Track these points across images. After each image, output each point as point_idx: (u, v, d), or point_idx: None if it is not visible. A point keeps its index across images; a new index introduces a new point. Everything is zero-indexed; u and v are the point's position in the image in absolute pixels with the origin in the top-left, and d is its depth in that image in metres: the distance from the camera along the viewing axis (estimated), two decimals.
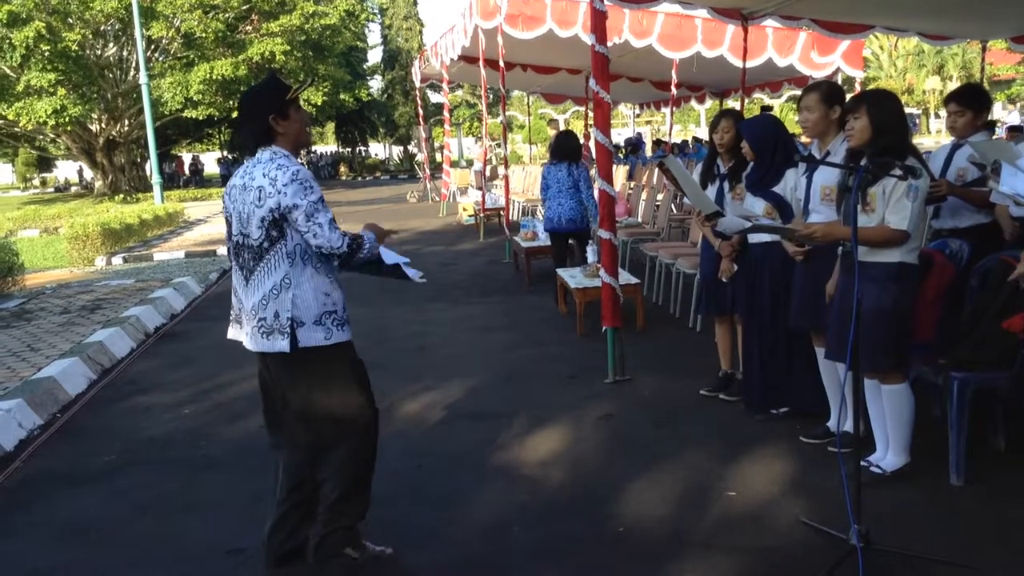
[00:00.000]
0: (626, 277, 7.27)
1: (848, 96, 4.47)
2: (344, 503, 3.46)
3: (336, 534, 3.47)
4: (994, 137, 5.40)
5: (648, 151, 23.91)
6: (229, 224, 3.45)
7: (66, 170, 55.74)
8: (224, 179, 45.93)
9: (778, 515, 3.82)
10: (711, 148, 5.41)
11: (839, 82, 11.23)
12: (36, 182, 54.70)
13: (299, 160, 3.42)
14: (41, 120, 26.66)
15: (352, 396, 3.45)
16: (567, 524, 3.86)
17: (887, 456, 4.10)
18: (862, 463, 3.84)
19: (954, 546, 3.45)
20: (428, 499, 4.18)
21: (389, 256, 3.60)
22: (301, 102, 3.44)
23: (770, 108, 16.34)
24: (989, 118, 5.45)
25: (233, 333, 3.54)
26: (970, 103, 4.93)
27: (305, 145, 3.59)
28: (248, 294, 3.37)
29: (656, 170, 15.71)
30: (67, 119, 27.32)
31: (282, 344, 3.27)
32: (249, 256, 3.34)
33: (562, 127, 16.87)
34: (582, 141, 11.18)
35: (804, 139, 8.53)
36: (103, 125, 32.17)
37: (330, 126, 56.06)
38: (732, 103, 18.66)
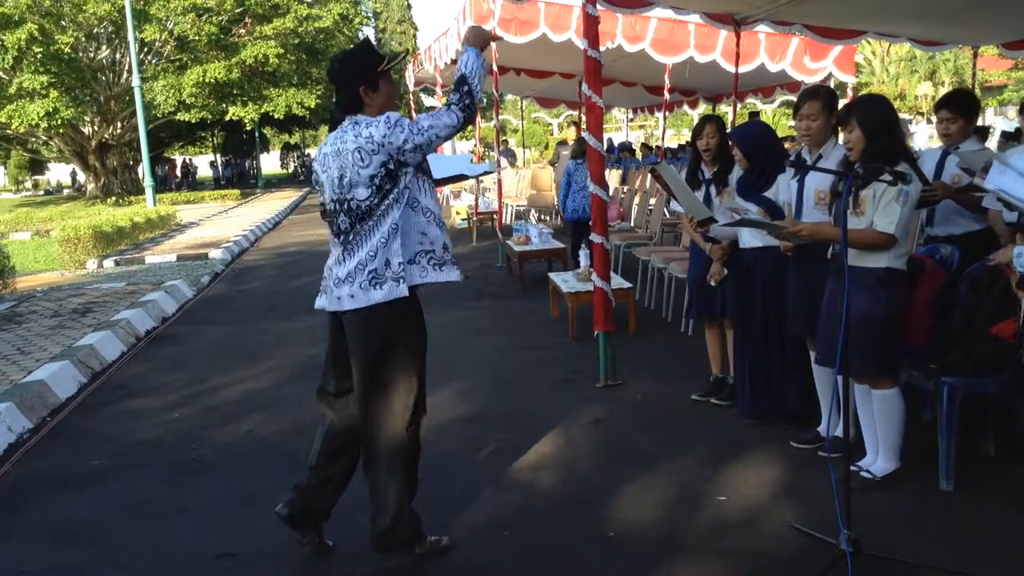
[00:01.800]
0: (618, 281, 7.28)
1: (840, 101, 4.48)
2: (403, 482, 3.46)
3: (406, 524, 3.48)
4: (987, 144, 5.41)
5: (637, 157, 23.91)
6: (323, 192, 3.49)
7: (58, 173, 55.60)
8: (216, 182, 45.90)
9: (768, 520, 3.82)
10: (694, 154, 5.42)
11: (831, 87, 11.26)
12: (28, 185, 54.53)
13: None
14: (33, 122, 26.57)
15: (421, 364, 3.50)
16: (558, 528, 3.86)
17: (877, 461, 4.11)
18: (852, 468, 3.85)
19: (944, 551, 3.46)
20: (418, 502, 4.15)
21: (453, 167, 3.60)
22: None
23: (758, 113, 16.38)
24: (982, 124, 5.46)
25: (321, 303, 3.55)
26: (961, 109, 4.93)
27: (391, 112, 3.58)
28: (351, 252, 3.37)
29: (649, 175, 15.74)
30: (59, 122, 27.23)
31: (398, 290, 3.31)
32: (352, 217, 3.35)
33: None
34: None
35: (788, 145, 8.55)
36: (96, 128, 32.07)
37: (323, 129, 55.96)
38: (725, 108, 18.70)
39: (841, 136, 4.03)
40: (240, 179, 47.44)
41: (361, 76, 3.35)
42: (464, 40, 3.50)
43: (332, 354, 3.58)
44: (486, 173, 3.85)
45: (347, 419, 3.57)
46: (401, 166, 3.30)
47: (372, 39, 50.18)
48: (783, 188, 4.64)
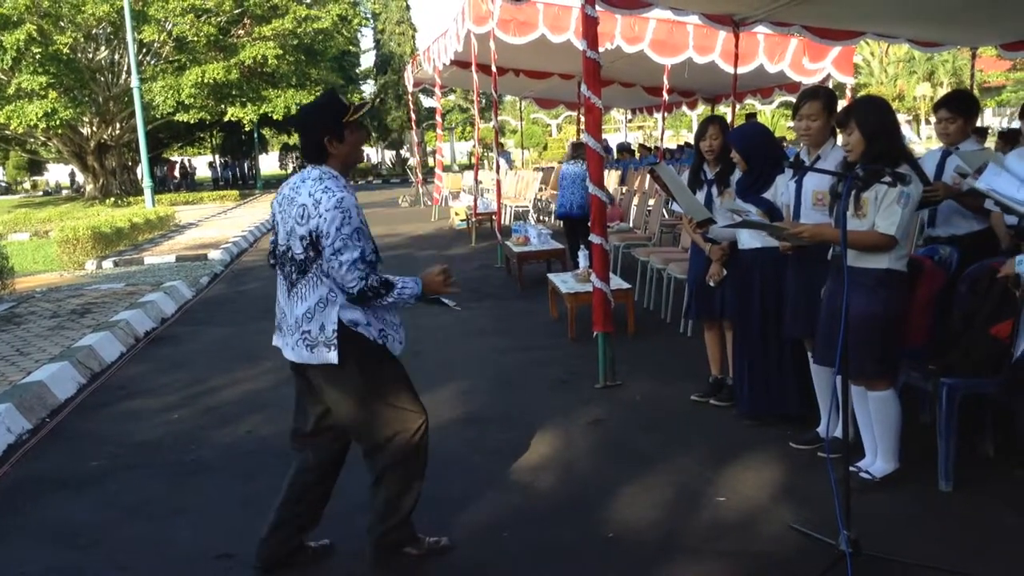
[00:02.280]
0: (617, 282, 7.28)
1: (839, 103, 4.48)
2: (405, 496, 3.47)
3: (401, 530, 3.49)
4: (986, 144, 5.41)
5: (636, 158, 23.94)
6: (275, 231, 3.44)
7: (57, 173, 55.60)
8: (215, 183, 45.88)
9: (768, 520, 3.83)
10: (697, 155, 5.42)
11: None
12: (27, 185, 54.52)
13: (347, 181, 3.36)
14: (32, 123, 26.55)
15: (404, 395, 3.47)
16: (557, 528, 3.86)
17: (876, 462, 4.11)
18: (851, 469, 3.85)
19: (943, 551, 3.46)
20: (418, 503, 4.17)
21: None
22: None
23: (754, 115, 16.38)
24: (981, 124, 5.46)
25: (277, 340, 3.51)
26: (960, 109, 4.94)
27: (357, 163, 3.52)
28: (292, 305, 3.35)
29: (648, 175, 15.76)
30: (58, 122, 27.21)
31: (329, 356, 3.27)
32: (292, 268, 3.32)
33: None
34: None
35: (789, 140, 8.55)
36: (94, 128, 32.06)
37: None
38: (723, 109, 18.71)
39: (840, 138, 4.03)
40: (239, 180, 47.40)
41: (326, 127, 3.28)
42: (425, 277, 3.41)
43: (299, 395, 3.57)
44: (453, 307, 3.79)
45: (323, 455, 3.55)
46: (320, 243, 3.22)
47: (371, 40, 49.95)
48: (782, 189, 4.65)
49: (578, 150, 10.16)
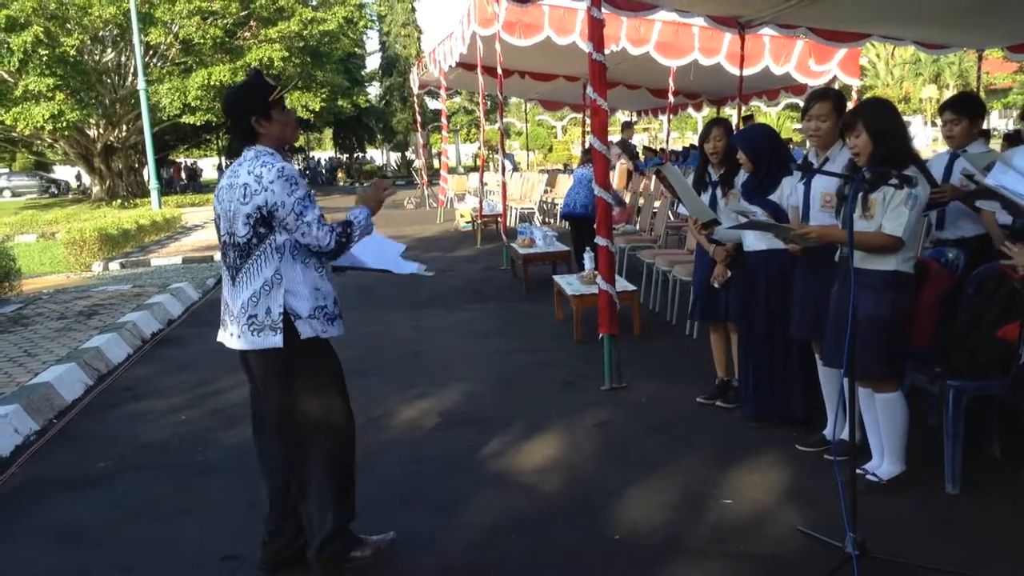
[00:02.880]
0: (623, 284, 7.29)
1: (847, 105, 4.48)
2: (330, 509, 3.41)
3: (334, 542, 3.44)
4: (990, 146, 5.39)
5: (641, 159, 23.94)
6: (217, 227, 3.43)
7: (64, 175, 55.71)
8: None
9: (774, 523, 3.82)
10: (702, 157, 5.43)
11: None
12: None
13: (285, 157, 3.40)
14: (39, 125, 26.64)
15: (335, 396, 3.44)
16: (562, 530, 3.86)
17: (883, 464, 4.11)
18: (858, 471, 3.85)
19: (949, 554, 3.45)
20: (422, 505, 4.18)
21: (378, 260, 3.58)
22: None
23: (751, 117, 16.35)
24: (987, 126, 5.45)
25: (221, 335, 3.50)
26: (965, 111, 4.93)
27: (290, 141, 3.53)
28: (236, 293, 3.33)
29: (654, 177, 15.75)
30: (65, 124, 27.31)
31: (275, 340, 3.26)
32: (236, 254, 3.31)
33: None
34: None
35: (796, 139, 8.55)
36: (101, 130, 32.16)
37: (328, 132, 56.09)
38: (729, 111, 18.71)
39: (849, 140, 4.01)
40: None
41: (252, 107, 3.30)
42: (360, 199, 3.49)
43: (252, 391, 3.55)
44: (413, 275, 3.82)
45: (276, 456, 3.51)
46: (273, 219, 3.23)
47: (376, 42, 49.95)
48: (788, 191, 4.64)
49: (589, 155, 10.25)
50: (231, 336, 3.39)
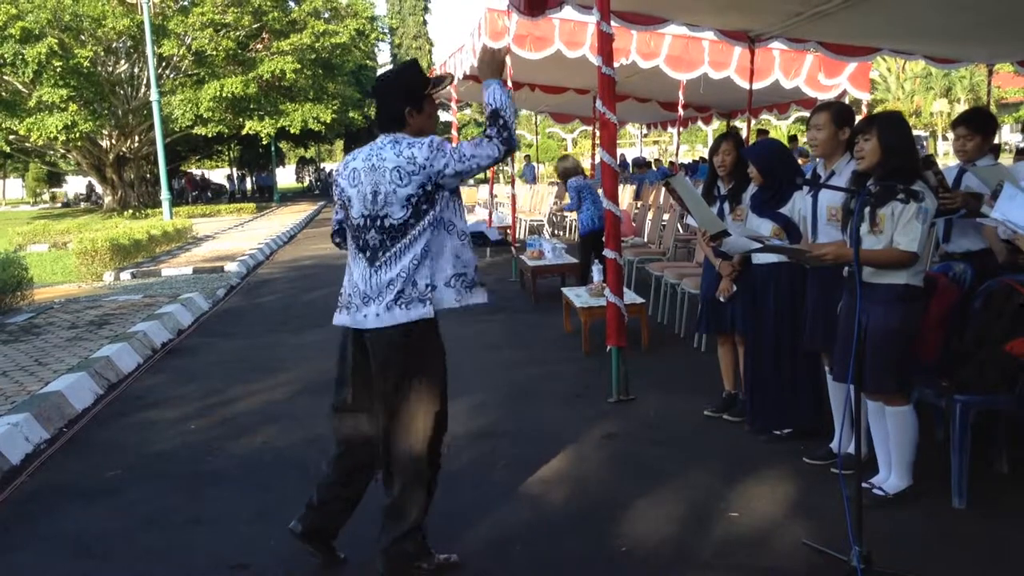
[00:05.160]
0: (631, 297, 7.30)
1: (857, 119, 4.50)
2: (415, 503, 3.45)
3: (405, 541, 3.45)
4: (999, 161, 5.39)
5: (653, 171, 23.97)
6: (346, 207, 3.46)
7: (76, 185, 56.03)
8: (231, 196, 46.09)
9: (780, 536, 3.82)
10: (711, 170, 5.45)
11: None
12: (46, 197, 55.00)
13: None
14: (52, 135, 26.85)
15: (443, 383, 3.53)
16: (569, 542, 3.87)
17: (890, 478, 4.11)
18: (864, 485, 3.85)
19: (955, 569, 3.45)
20: (430, 516, 4.19)
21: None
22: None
23: (766, 132, 16.38)
24: (997, 141, 5.45)
25: (342, 319, 3.50)
26: (979, 127, 4.93)
27: (430, 133, 3.53)
28: (380, 270, 3.36)
29: (663, 190, 15.76)
30: (78, 135, 27.52)
31: (424, 311, 3.32)
32: (384, 236, 3.34)
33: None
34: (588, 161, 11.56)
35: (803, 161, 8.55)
36: (113, 141, 32.38)
37: (339, 144, 56.26)
38: (739, 124, 18.72)
39: (858, 144, 4.02)
40: (261, 192, 47.52)
41: (408, 97, 3.38)
42: (481, 73, 3.52)
43: (348, 370, 3.56)
44: (500, 243, 3.95)
45: (361, 437, 3.57)
46: (439, 188, 3.32)
47: (388, 54, 50.17)
48: (799, 205, 4.66)
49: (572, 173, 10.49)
50: (366, 318, 3.38)
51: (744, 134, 11.03)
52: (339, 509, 3.65)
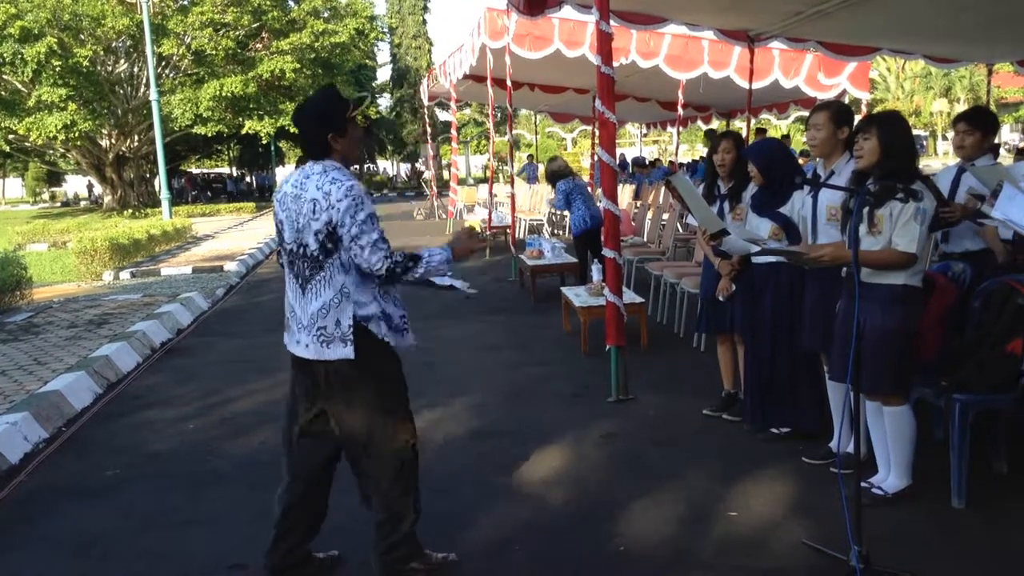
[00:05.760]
0: (630, 296, 7.29)
1: (856, 118, 4.50)
2: (403, 513, 3.45)
3: (398, 549, 3.45)
4: (998, 160, 5.38)
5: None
6: (280, 231, 3.44)
7: (75, 185, 56.05)
8: (231, 195, 46.10)
9: (779, 535, 3.82)
10: (711, 170, 5.44)
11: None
12: (45, 196, 55.01)
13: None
14: (51, 135, 26.85)
15: (403, 399, 3.48)
16: (568, 542, 3.87)
17: (889, 478, 4.10)
18: (863, 484, 3.85)
19: (955, 569, 3.45)
20: (429, 516, 4.17)
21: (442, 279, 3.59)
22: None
23: (764, 131, 16.38)
24: (996, 141, 5.43)
25: (286, 339, 3.50)
26: (979, 124, 4.92)
27: (355, 157, 3.52)
28: (306, 303, 3.34)
29: (662, 189, 15.77)
30: (77, 134, 27.52)
31: (345, 351, 3.27)
32: (306, 265, 3.32)
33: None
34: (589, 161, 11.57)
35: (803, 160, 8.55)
36: (113, 140, 32.37)
37: None
38: (739, 124, 18.72)
39: (857, 143, 4.02)
40: (261, 192, 47.53)
41: (329, 123, 3.32)
42: (452, 242, 3.48)
43: (294, 396, 3.54)
44: (468, 291, 3.87)
45: (312, 463, 3.53)
46: (336, 235, 3.24)
47: (387, 54, 50.13)
48: (798, 205, 4.66)
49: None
50: (299, 344, 3.39)
51: (744, 133, 11.01)
52: (296, 540, 3.57)
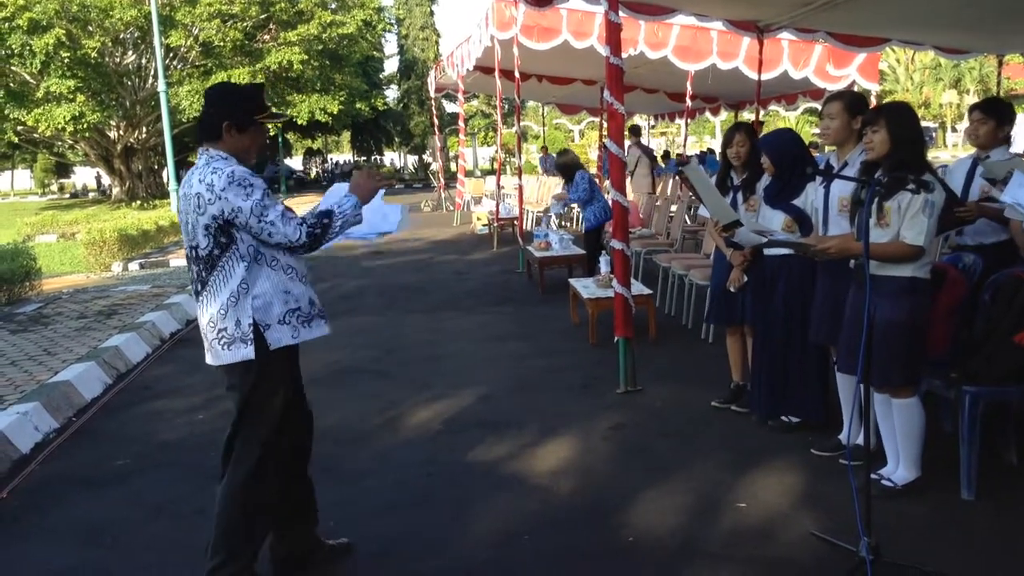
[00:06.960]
0: (639, 288, 7.28)
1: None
2: (225, 541, 3.29)
3: (222, 570, 3.27)
4: (1011, 150, 5.34)
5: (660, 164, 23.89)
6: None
7: (84, 176, 56.13)
8: None
9: (788, 527, 3.82)
10: (724, 162, 5.42)
11: None
12: (54, 188, 55.12)
13: (247, 162, 3.29)
14: (60, 126, 26.92)
15: (276, 416, 3.35)
16: (577, 533, 3.87)
17: (898, 470, 4.09)
18: (873, 476, 3.84)
19: (964, 560, 3.44)
20: (437, 507, 4.20)
21: (363, 229, 3.42)
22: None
23: (763, 124, 16.31)
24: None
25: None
26: (994, 112, 4.89)
27: (247, 163, 3.30)
28: (204, 306, 3.23)
29: (671, 181, 15.75)
30: (85, 125, 27.57)
31: (246, 351, 3.17)
32: (201, 267, 3.20)
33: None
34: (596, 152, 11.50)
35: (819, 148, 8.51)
36: (121, 132, 32.43)
37: (346, 135, 56.32)
38: (747, 115, 18.66)
39: (867, 135, 4.00)
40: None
41: (235, 111, 3.22)
42: (353, 187, 3.36)
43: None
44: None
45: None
46: (230, 226, 3.12)
47: (395, 45, 50.04)
48: (812, 196, 4.64)
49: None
50: (208, 352, 3.30)
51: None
52: (301, 532, 3.57)
